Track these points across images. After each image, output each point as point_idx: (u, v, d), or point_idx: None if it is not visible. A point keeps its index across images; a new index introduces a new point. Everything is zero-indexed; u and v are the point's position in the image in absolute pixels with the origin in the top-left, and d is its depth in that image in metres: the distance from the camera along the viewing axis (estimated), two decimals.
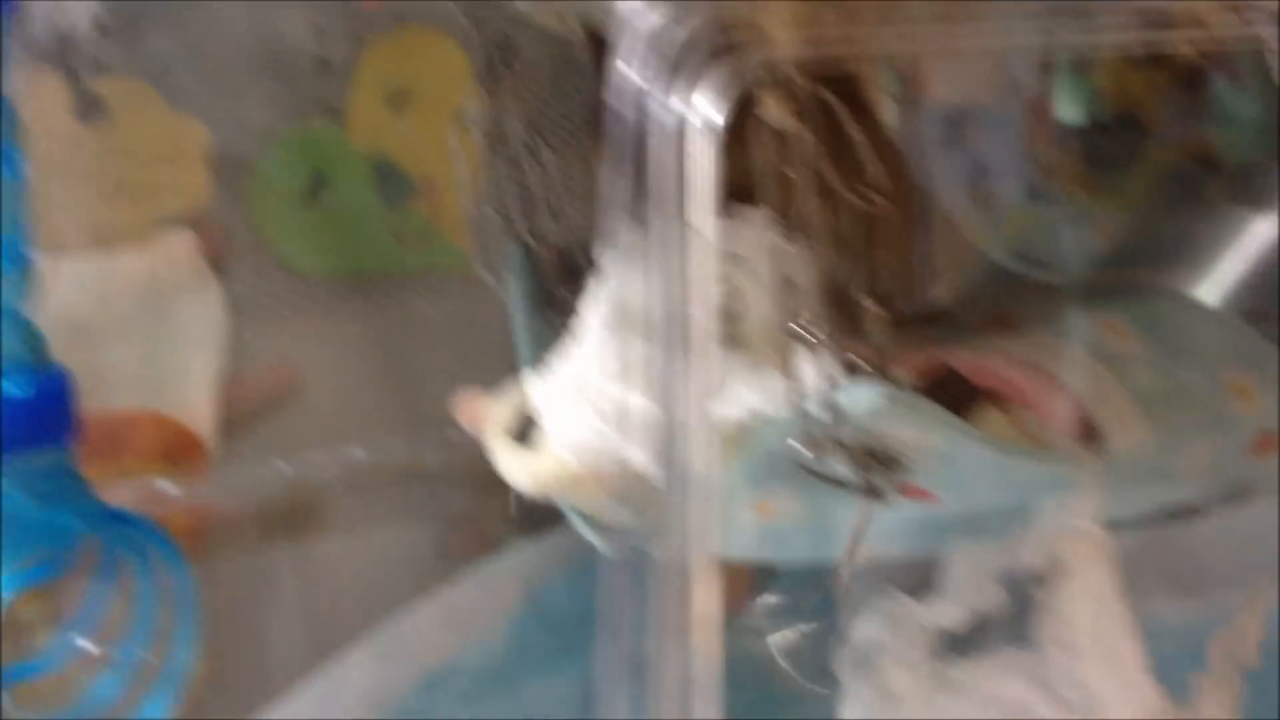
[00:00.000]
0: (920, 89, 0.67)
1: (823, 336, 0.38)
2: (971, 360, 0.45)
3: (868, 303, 0.39)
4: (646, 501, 0.42)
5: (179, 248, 0.66)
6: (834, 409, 0.38)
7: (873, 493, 0.40)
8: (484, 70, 0.50)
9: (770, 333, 0.40)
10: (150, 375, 0.65)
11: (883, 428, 0.39)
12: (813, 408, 0.38)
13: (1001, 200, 0.70)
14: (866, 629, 0.48)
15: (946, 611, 0.46)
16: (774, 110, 0.36)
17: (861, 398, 0.39)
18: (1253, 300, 0.54)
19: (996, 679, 0.44)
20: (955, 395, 0.42)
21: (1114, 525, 0.69)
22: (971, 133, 0.73)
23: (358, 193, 0.69)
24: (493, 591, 0.65)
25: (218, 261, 0.67)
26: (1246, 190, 0.60)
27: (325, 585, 0.69)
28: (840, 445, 0.39)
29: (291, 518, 0.68)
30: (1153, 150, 0.71)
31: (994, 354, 0.45)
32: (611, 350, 0.41)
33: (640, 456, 0.39)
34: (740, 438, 0.41)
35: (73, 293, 0.63)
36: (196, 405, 0.65)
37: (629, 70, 0.33)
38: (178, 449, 0.65)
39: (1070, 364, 0.46)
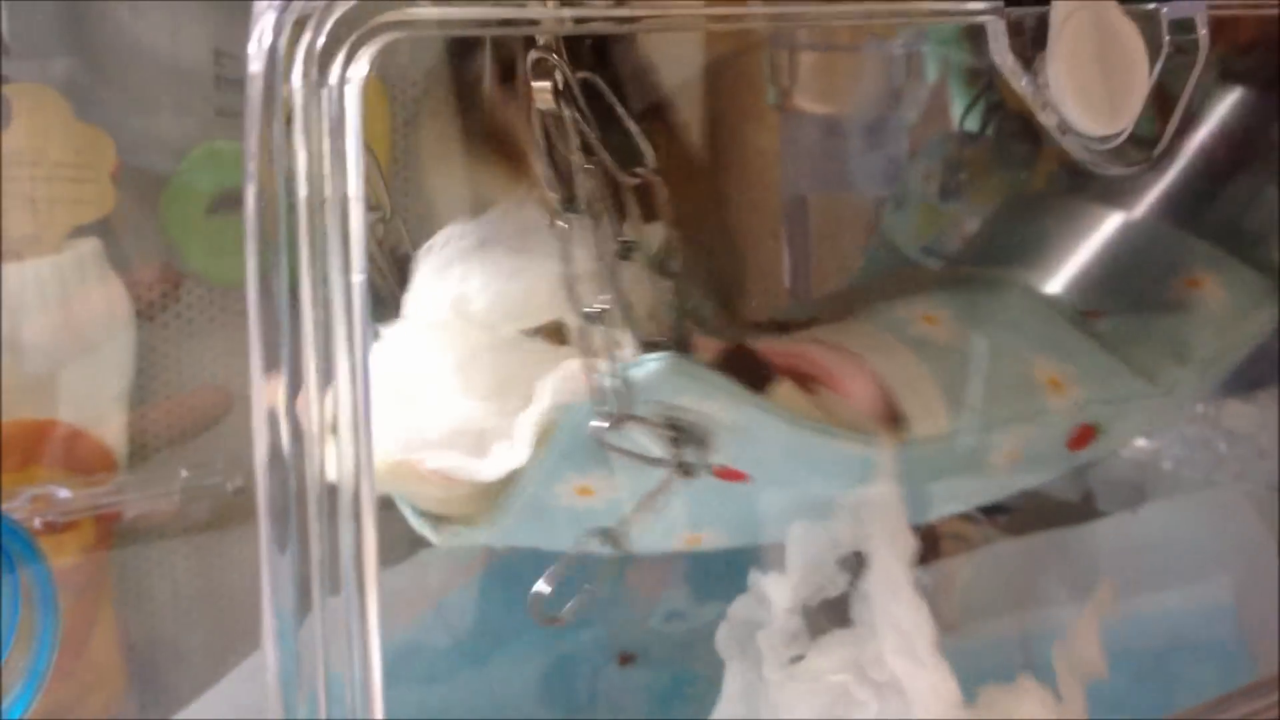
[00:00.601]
0: (792, 101, 0.68)
1: (615, 315, 0.39)
2: (780, 346, 0.46)
3: (658, 280, 0.41)
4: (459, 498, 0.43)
5: (88, 259, 0.66)
6: (628, 383, 0.39)
7: (683, 468, 0.41)
8: None
9: (567, 318, 0.42)
10: (60, 387, 0.66)
11: (679, 400, 0.40)
12: (609, 383, 0.39)
13: (915, 200, 0.71)
14: (742, 607, 0.49)
15: (789, 590, 0.46)
16: (541, 93, 0.37)
17: (653, 370, 0.40)
18: (1093, 296, 0.55)
19: (824, 659, 0.45)
20: (749, 371, 0.43)
21: (992, 519, 0.70)
22: (889, 137, 0.75)
23: None
24: (455, 566, 0.67)
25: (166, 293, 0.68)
26: (1112, 193, 0.61)
27: None
28: (642, 421, 0.40)
29: (220, 518, 0.69)
30: (1050, 152, 0.73)
31: (805, 341, 0.46)
32: (423, 348, 0.42)
33: (451, 456, 0.40)
34: (547, 428, 0.42)
35: None
36: (108, 417, 0.66)
37: (264, 34, 0.32)
38: (87, 461, 0.65)
39: (879, 351, 0.47)
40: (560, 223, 0.39)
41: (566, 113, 0.38)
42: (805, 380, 0.46)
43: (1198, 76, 0.41)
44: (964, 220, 0.71)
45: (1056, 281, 0.55)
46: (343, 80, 0.31)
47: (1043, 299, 0.54)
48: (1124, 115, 0.41)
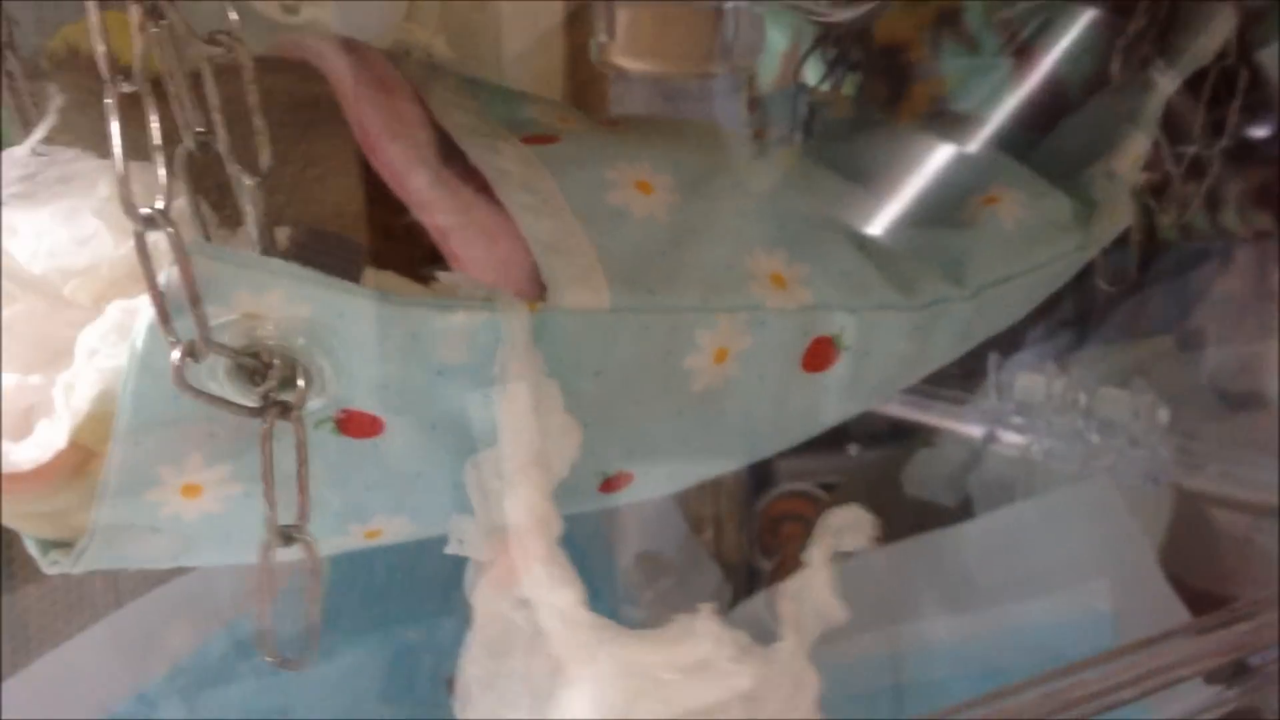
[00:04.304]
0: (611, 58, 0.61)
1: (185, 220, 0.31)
2: (427, 208, 0.38)
3: (234, 168, 0.32)
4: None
5: None
6: (196, 298, 0.31)
7: (280, 407, 0.33)
8: None
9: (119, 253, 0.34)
10: None
11: (236, 301, 0.32)
12: (174, 307, 0.31)
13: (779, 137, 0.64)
14: None
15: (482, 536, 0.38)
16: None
17: (224, 277, 0.32)
18: (881, 211, 0.47)
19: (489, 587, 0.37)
20: (333, 256, 0.35)
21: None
22: (725, 96, 0.68)
23: None
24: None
25: None
26: (947, 128, 0.54)
27: None
28: (219, 347, 0.31)
29: None
30: (915, 88, 0.66)
31: (447, 205, 0.38)
32: None
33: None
34: (107, 414, 0.33)
35: None
36: None
37: None
38: None
39: (537, 213, 0.38)
40: (109, 98, 0.30)
41: (150, 33, 0.30)
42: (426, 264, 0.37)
43: None
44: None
45: (844, 192, 0.47)
46: None
47: (806, 195, 0.45)
48: None
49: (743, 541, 0.83)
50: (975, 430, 0.72)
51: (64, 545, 0.37)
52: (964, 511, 0.75)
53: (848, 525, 0.35)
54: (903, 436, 0.75)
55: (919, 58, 0.67)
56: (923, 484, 0.77)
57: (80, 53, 0.40)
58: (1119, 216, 0.47)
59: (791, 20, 0.70)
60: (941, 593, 0.70)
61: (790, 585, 0.35)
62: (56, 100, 0.36)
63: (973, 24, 0.63)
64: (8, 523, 0.36)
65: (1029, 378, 0.68)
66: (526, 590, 0.34)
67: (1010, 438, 0.71)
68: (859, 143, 0.52)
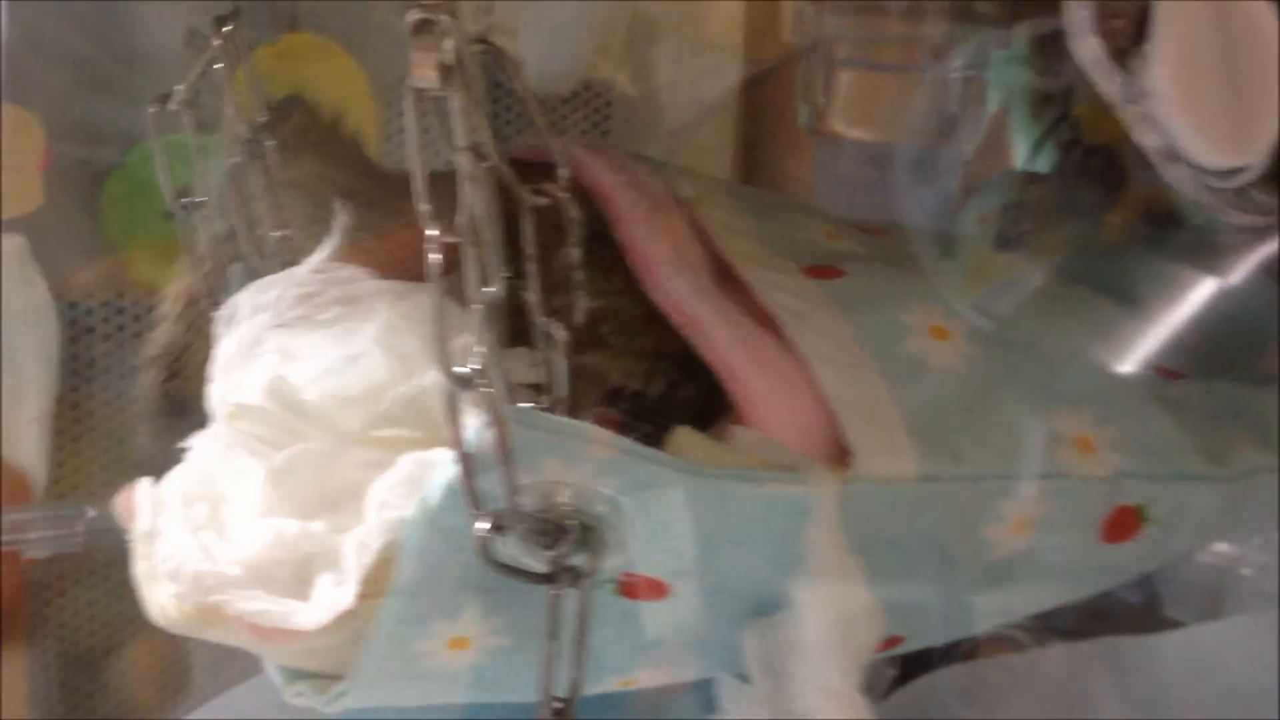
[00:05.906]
0: (826, 124, 0.58)
1: (494, 375, 0.28)
2: (719, 351, 0.35)
3: (544, 321, 0.30)
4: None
5: (11, 259, 0.59)
6: (506, 461, 0.29)
7: (571, 574, 0.31)
8: None
9: (419, 398, 0.32)
10: None
11: (544, 471, 0.30)
12: (481, 470, 0.29)
13: (968, 246, 0.61)
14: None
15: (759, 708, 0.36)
16: (422, 66, 0.27)
17: (530, 441, 0.30)
18: (1172, 356, 0.44)
19: None
20: (642, 419, 0.33)
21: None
22: (940, 172, 0.65)
23: None
24: None
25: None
26: (1200, 252, 0.50)
27: None
28: (520, 516, 0.29)
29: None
30: (1131, 200, 0.63)
31: (744, 347, 0.35)
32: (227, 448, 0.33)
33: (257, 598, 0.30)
34: (387, 562, 0.32)
35: None
36: (24, 440, 0.59)
37: None
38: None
39: (837, 365, 0.36)
40: (433, 250, 0.28)
41: (456, 97, 0.28)
42: (717, 415, 0.35)
43: None
44: (1024, 273, 0.61)
45: (1130, 333, 0.43)
46: None
47: (1098, 339, 0.42)
48: (1255, 143, 0.29)
49: None
50: None
51: (310, 677, 0.36)
52: (1148, 611, 0.72)
53: None
54: None
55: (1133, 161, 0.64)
56: None
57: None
58: None
59: (1001, 86, 0.66)
60: (1125, 700, 0.67)
61: None
62: (342, 218, 0.34)
63: None
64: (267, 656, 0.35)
65: None
66: None
67: (1218, 547, 0.67)
68: (1128, 267, 0.49)
